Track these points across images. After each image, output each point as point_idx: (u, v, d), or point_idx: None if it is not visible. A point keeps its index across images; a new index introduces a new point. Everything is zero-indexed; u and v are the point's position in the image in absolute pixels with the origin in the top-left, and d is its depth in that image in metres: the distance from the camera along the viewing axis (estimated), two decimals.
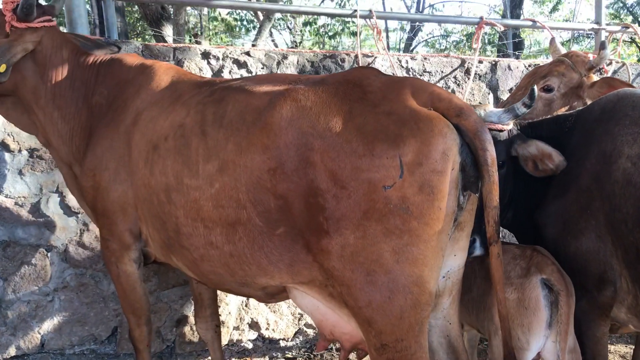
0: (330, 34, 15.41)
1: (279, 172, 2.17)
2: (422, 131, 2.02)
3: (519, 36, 13.75)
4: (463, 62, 4.43)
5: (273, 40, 19.32)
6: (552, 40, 4.00)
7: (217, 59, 3.91)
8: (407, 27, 17.15)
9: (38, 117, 3.03)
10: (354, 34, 15.92)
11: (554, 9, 18.88)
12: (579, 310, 2.54)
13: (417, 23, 15.25)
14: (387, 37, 18.21)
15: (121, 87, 2.94)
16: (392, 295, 2.06)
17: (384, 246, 2.04)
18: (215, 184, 2.33)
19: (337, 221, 2.07)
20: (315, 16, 12.52)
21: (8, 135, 3.55)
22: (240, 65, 3.96)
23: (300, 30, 16.45)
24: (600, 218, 2.45)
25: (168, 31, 6.63)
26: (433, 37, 17.67)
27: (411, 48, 16.83)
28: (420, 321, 2.11)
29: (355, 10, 4.33)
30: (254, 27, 8.80)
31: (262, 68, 3.99)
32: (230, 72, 3.93)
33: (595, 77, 3.47)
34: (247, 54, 3.99)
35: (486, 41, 16.74)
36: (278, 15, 15.76)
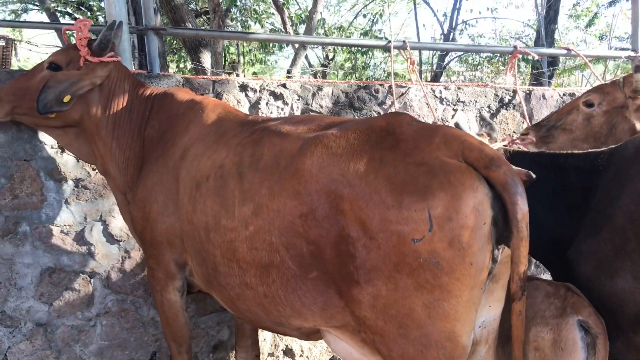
0: (362, 50, 15.49)
1: (311, 218, 2.19)
2: (453, 184, 1.97)
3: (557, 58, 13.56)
4: (496, 90, 4.45)
5: (306, 56, 19.51)
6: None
7: (255, 91, 4.01)
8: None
9: (98, 147, 3.18)
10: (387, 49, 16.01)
11: (590, 23, 18.61)
12: (614, 351, 2.54)
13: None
14: (420, 64, 18.25)
15: (172, 121, 3.06)
16: (424, 350, 2.06)
17: (415, 300, 2.03)
18: (249, 226, 2.38)
19: (367, 272, 2.07)
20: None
21: (55, 166, 3.69)
22: (277, 97, 4.05)
23: (333, 48, 16.60)
24: (636, 259, 2.45)
25: (206, 58, 6.80)
26: (466, 52, 17.61)
27: (444, 64, 16.81)
28: None
29: (389, 42, 4.40)
30: (304, 47, 8.96)
31: (298, 99, 4.08)
32: (267, 103, 4.03)
33: None
34: (284, 85, 4.08)
35: (520, 57, 16.60)
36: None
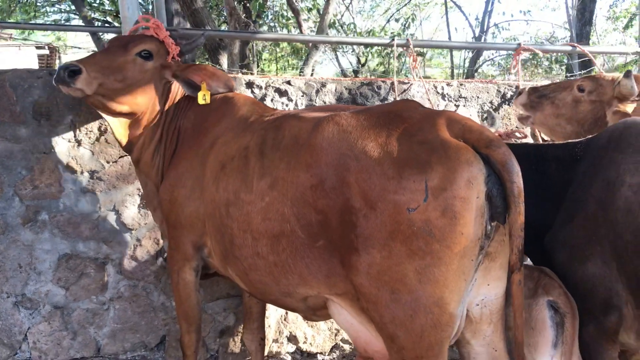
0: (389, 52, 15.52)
1: (320, 189, 2.36)
2: (450, 159, 2.16)
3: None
4: (498, 86, 4.53)
5: (338, 61, 19.64)
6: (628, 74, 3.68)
7: (260, 87, 4.20)
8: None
9: (144, 136, 3.38)
10: (419, 54, 16.05)
11: (628, 25, 18.26)
12: (587, 335, 2.62)
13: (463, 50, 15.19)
14: (452, 56, 18.13)
15: (206, 114, 3.28)
16: (414, 314, 2.20)
17: (407, 266, 2.18)
18: (265, 198, 2.56)
19: (365, 239, 2.23)
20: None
21: (72, 158, 3.94)
22: (282, 93, 4.23)
23: (363, 53, 16.74)
24: (605, 244, 2.53)
25: (223, 60, 7.04)
26: (497, 55, 17.48)
27: (475, 67, 16.74)
28: (440, 341, 2.25)
29: (393, 39, 4.53)
30: (316, 47, 9.22)
31: (302, 96, 4.25)
32: (272, 100, 4.21)
33: (630, 107, 3.50)
34: (288, 82, 4.26)
35: (553, 59, 16.45)
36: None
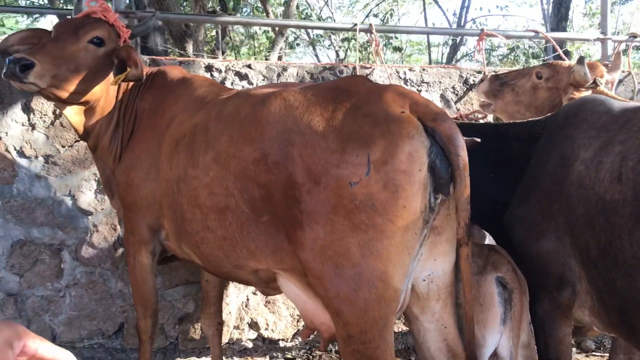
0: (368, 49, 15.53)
1: (262, 164, 2.32)
2: (391, 132, 2.15)
3: (565, 48, 13.50)
4: (460, 72, 4.52)
5: (317, 56, 19.59)
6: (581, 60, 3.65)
7: (220, 71, 4.15)
8: (449, 42, 17.17)
9: (100, 123, 3.29)
10: (396, 49, 16.06)
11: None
12: (541, 311, 2.62)
13: (457, 38, 15.22)
14: (429, 51, 18.17)
15: (164, 95, 3.23)
16: (357, 288, 2.18)
17: (351, 240, 2.15)
18: (210, 172, 2.53)
19: (309, 215, 2.20)
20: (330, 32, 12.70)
21: (26, 142, 3.86)
22: (242, 77, 4.18)
23: (340, 47, 16.70)
24: (559, 220, 2.53)
25: (189, 47, 6.98)
26: (431, 34, 17.41)
27: (452, 63, 16.82)
28: (385, 316, 2.22)
29: (355, 25, 4.51)
30: (282, 34, 9.21)
31: (263, 79, 4.20)
32: (232, 83, 4.16)
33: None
34: (249, 66, 4.21)
35: (530, 54, 16.56)
36: (319, 31, 16.07)
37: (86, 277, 3.99)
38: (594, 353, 4.29)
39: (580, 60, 3.42)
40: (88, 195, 3.97)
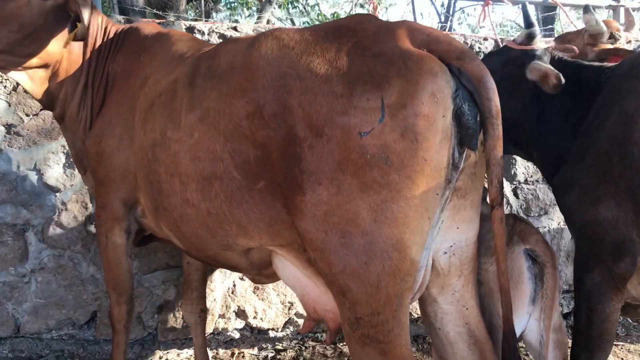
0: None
1: (257, 118, 1.98)
2: (410, 69, 1.80)
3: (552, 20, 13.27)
4: (465, 38, 4.18)
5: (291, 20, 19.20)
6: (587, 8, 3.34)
7: (203, 33, 3.76)
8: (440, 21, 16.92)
9: (66, 88, 2.92)
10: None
11: None
12: (590, 282, 2.31)
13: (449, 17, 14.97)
14: None
15: (138, 54, 2.86)
16: (368, 261, 1.84)
17: (360, 203, 1.81)
18: (194, 134, 2.19)
19: (310, 175, 1.86)
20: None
21: None
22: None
23: (311, 11, 16.27)
24: (620, 184, 2.21)
25: (170, 18, 6.61)
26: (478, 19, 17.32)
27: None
28: (400, 293, 1.88)
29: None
30: (269, 2, 8.88)
31: None
32: None
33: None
34: (234, 29, 3.83)
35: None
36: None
37: (54, 261, 3.58)
38: None
39: (587, 9, 3.08)
40: (56, 170, 3.56)
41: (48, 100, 2.96)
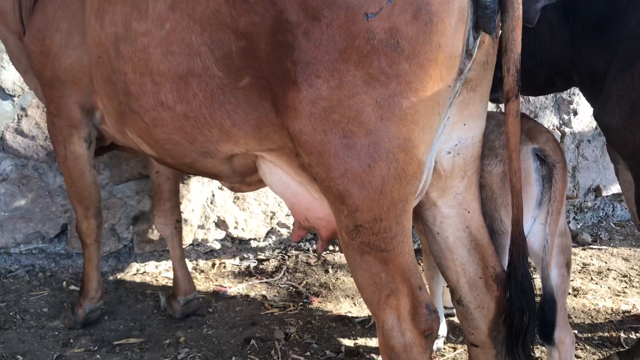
0: None
1: (240, 1, 1.73)
2: None
3: None
4: None
5: None
6: None
7: None
8: None
9: None
10: None
11: None
12: None
13: None
14: None
15: None
16: (372, 163, 1.67)
17: (364, 98, 1.62)
18: (165, 24, 1.94)
19: (306, 66, 1.64)
20: None
21: None
22: None
23: None
24: None
25: None
26: None
27: None
28: (405, 198, 1.74)
29: None
30: None
31: None
32: None
33: None
34: None
35: None
36: None
37: (17, 172, 3.34)
38: (590, 246, 3.98)
39: None
40: (11, 72, 3.23)
41: None
